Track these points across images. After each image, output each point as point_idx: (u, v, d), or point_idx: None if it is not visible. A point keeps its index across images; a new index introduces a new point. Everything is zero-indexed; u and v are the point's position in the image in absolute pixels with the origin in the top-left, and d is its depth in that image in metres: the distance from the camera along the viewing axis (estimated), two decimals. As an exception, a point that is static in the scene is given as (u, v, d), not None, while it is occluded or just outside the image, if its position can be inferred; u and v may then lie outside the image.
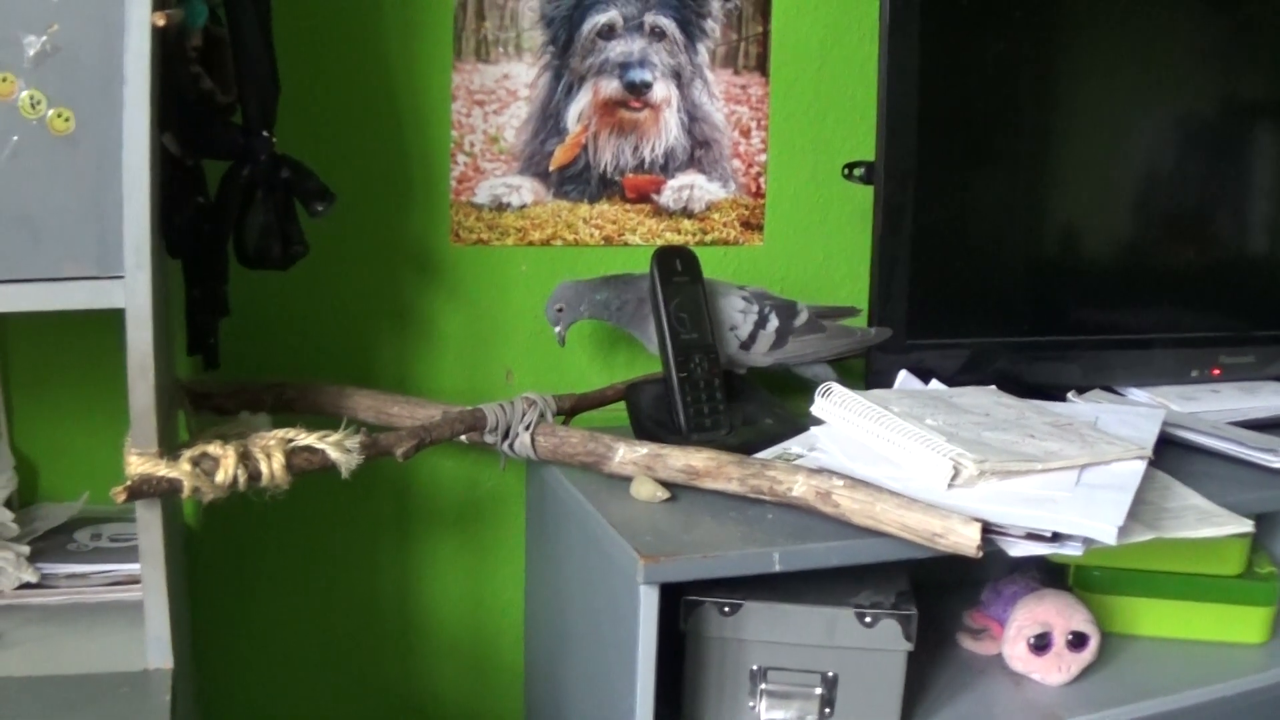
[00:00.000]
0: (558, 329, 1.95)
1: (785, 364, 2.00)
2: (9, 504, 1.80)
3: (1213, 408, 2.16)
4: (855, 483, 1.61)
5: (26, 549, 1.69)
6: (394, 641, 2.16)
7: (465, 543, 2.16)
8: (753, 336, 1.95)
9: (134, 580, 1.54)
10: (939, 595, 2.07)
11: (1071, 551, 1.55)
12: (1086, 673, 1.91)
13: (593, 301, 1.93)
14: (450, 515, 2.15)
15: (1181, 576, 2.03)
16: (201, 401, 1.83)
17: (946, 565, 1.62)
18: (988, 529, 1.54)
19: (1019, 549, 1.56)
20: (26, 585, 1.65)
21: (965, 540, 1.51)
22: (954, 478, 1.63)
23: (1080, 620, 1.89)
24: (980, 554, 1.51)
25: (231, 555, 2.04)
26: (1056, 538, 1.55)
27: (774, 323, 1.96)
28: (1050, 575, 2.04)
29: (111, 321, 1.39)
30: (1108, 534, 1.53)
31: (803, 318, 1.98)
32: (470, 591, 2.18)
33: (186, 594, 1.90)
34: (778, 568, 1.57)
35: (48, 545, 1.74)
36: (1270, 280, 2.33)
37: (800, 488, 1.63)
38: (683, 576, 1.57)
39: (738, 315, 1.95)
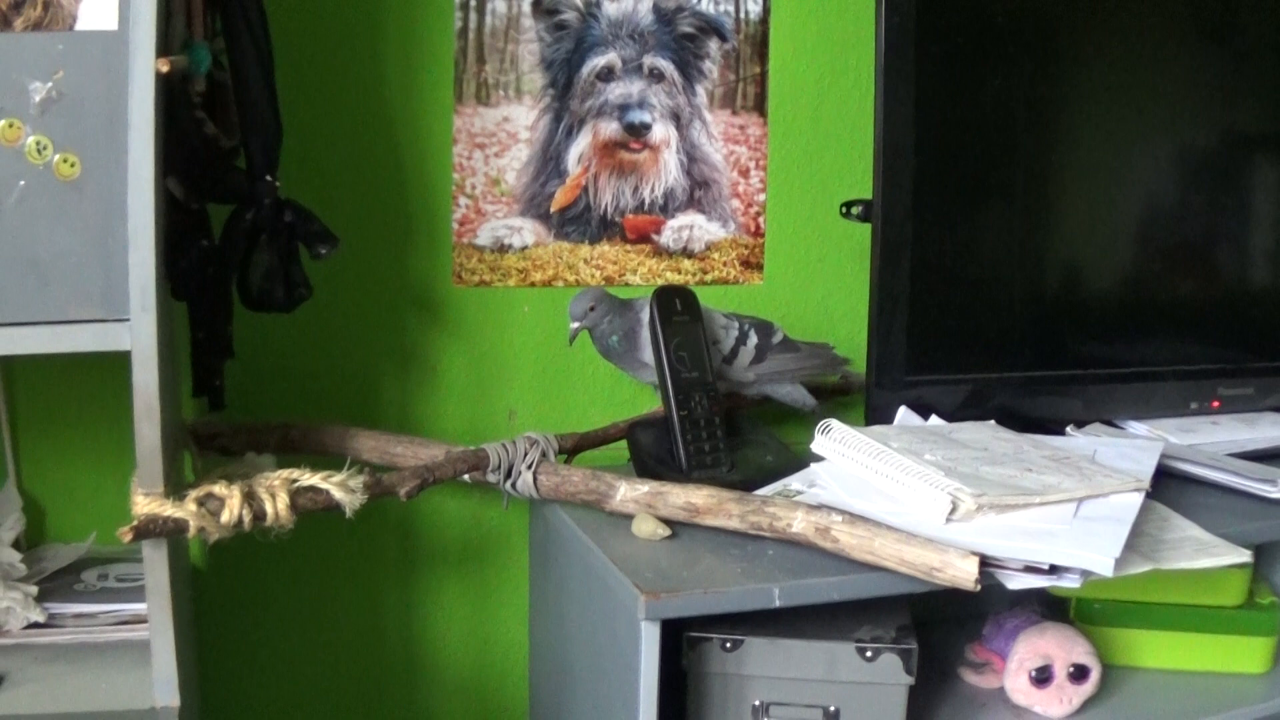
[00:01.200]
0: (576, 325, 1.93)
1: (765, 379, 2.01)
2: (17, 545, 1.81)
3: (1212, 439, 2.15)
4: (854, 518, 1.62)
5: (34, 589, 1.70)
6: (399, 680, 2.16)
7: (469, 581, 2.17)
8: (734, 351, 1.96)
9: (141, 619, 1.54)
10: (941, 629, 2.08)
11: (1069, 583, 1.56)
12: (1088, 705, 1.92)
13: (610, 323, 1.93)
14: (454, 554, 2.16)
15: (1183, 608, 2.04)
16: (207, 443, 1.85)
17: (948, 599, 1.63)
18: (985, 562, 1.55)
19: (1017, 582, 1.57)
20: (34, 625, 1.66)
21: (963, 574, 1.52)
22: (952, 512, 1.63)
23: (1081, 652, 1.90)
24: (978, 587, 1.52)
25: (238, 595, 2.05)
26: (1054, 570, 1.56)
27: (753, 339, 1.98)
28: (1051, 608, 2.04)
29: (118, 363, 1.41)
30: (1105, 565, 1.54)
31: (778, 336, 2.01)
32: (475, 630, 2.19)
33: (194, 633, 1.91)
34: (778, 603, 1.58)
35: (55, 585, 1.75)
36: (1269, 312, 2.33)
37: (800, 524, 1.64)
38: (683, 613, 1.58)
39: (720, 331, 1.96)
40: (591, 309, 1.91)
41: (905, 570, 1.57)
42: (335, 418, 1.97)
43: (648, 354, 1.91)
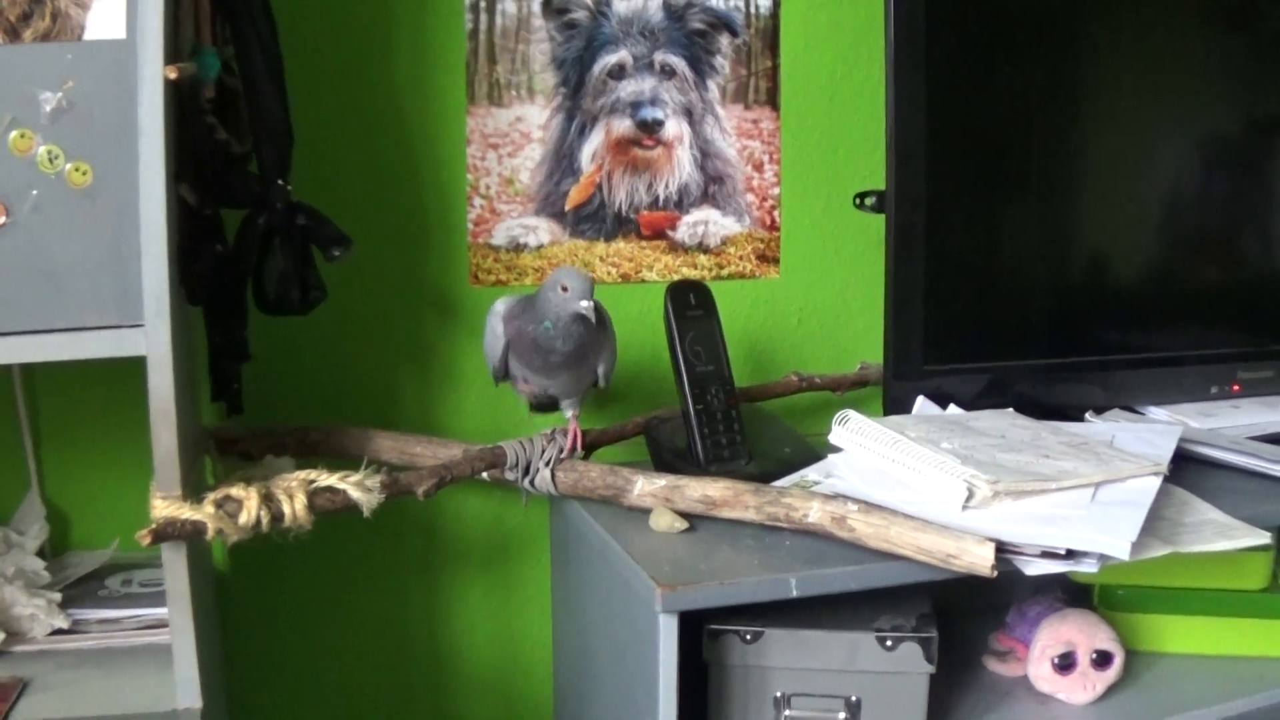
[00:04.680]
0: (590, 302, 1.75)
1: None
2: (41, 553, 1.83)
3: (1232, 423, 2.15)
4: (870, 507, 1.63)
5: (58, 595, 1.72)
6: (424, 680, 2.17)
7: (493, 579, 2.18)
8: None
9: (163, 624, 1.55)
10: (966, 619, 2.07)
11: (1087, 568, 1.57)
12: (1112, 691, 1.91)
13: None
14: (477, 552, 2.17)
15: (1206, 592, 2.03)
16: (227, 447, 1.86)
17: (973, 589, 1.62)
18: (1002, 549, 1.55)
19: (1034, 568, 1.57)
20: (59, 631, 1.68)
21: (979, 560, 1.52)
22: (969, 499, 1.64)
23: (1104, 639, 1.90)
24: (994, 573, 1.52)
25: (262, 597, 2.06)
26: (1071, 555, 1.56)
27: None
28: (1075, 596, 2.04)
29: (135, 370, 1.42)
30: (1121, 549, 1.54)
31: None
32: (499, 627, 2.20)
33: (217, 635, 1.92)
34: (795, 593, 1.59)
35: (79, 592, 1.77)
36: (1287, 295, 2.34)
37: (816, 514, 1.65)
38: (700, 604, 1.58)
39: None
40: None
41: (922, 558, 1.57)
42: (355, 420, 1.97)
43: (595, 360, 1.84)
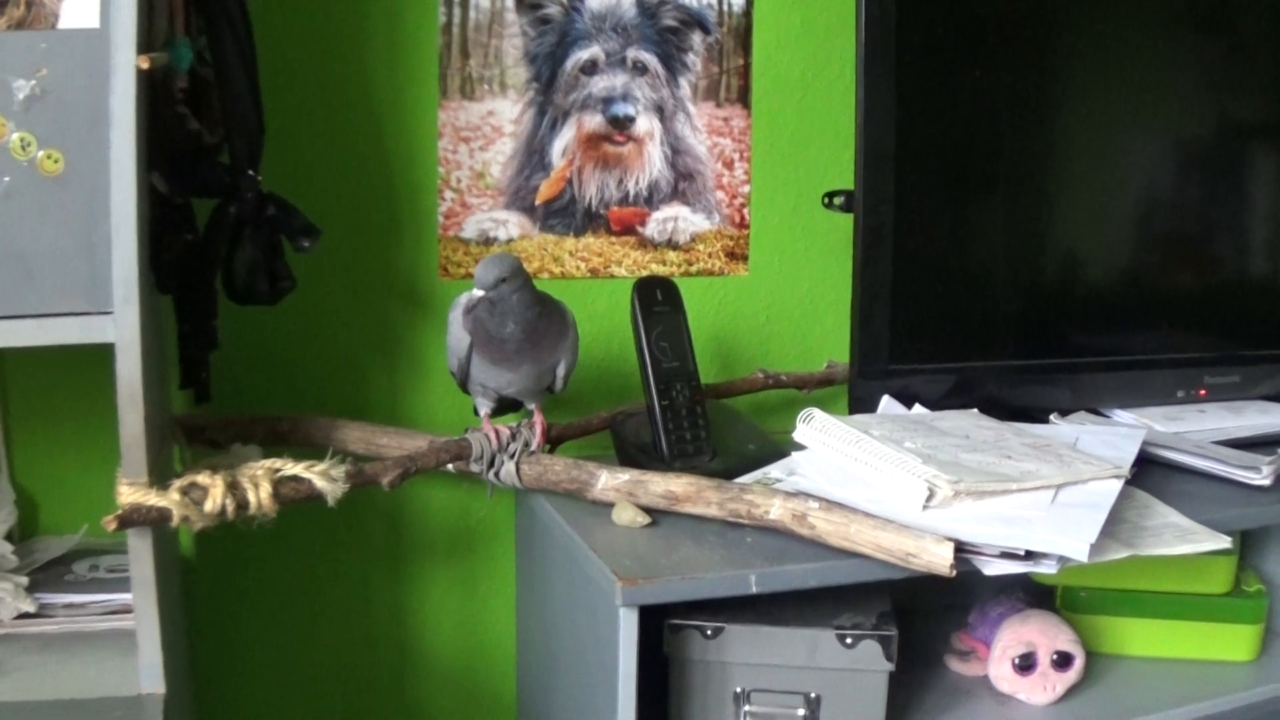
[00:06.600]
0: (480, 294, 1.74)
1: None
2: (9, 537, 1.83)
3: (1198, 427, 2.16)
4: (831, 505, 1.64)
5: (25, 579, 1.72)
6: (389, 668, 2.18)
7: (458, 570, 2.19)
8: None
9: (129, 609, 1.55)
10: (928, 618, 2.09)
11: (1046, 569, 1.58)
12: (1072, 692, 1.93)
13: (519, 298, 1.77)
14: (443, 544, 2.17)
15: (1169, 596, 2.04)
16: (195, 435, 1.86)
17: (935, 588, 1.63)
18: (961, 548, 1.56)
19: (993, 568, 1.58)
20: (25, 615, 1.69)
21: (938, 559, 1.53)
22: (929, 499, 1.65)
23: (1065, 640, 1.91)
24: (953, 573, 1.53)
25: (228, 584, 2.07)
26: (1030, 556, 1.57)
27: None
28: (1037, 597, 2.05)
29: (106, 356, 1.43)
30: (1080, 551, 1.55)
31: None
32: (464, 618, 2.20)
33: (183, 622, 1.93)
34: (754, 589, 1.60)
35: (46, 576, 1.77)
36: (1255, 300, 2.34)
37: (777, 510, 1.66)
38: (660, 599, 1.59)
39: None
40: (503, 280, 1.74)
41: (881, 556, 1.58)
42: (323, 410, 1.98)
43: (554, 353, 1.84)
